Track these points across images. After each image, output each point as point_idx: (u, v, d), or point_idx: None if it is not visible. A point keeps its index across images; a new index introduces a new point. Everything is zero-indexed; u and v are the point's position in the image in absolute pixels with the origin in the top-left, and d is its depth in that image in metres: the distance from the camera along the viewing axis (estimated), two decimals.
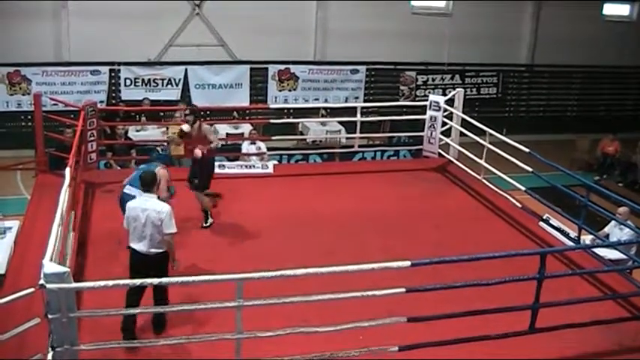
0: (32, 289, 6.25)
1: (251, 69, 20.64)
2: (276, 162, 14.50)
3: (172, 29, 19.86)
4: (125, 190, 9.34)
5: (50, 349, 6.20)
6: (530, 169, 11.43)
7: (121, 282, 6.69)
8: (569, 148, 21.57)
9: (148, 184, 7.53)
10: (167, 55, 20.09)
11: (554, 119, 24.11)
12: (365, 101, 21.08)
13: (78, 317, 6.29)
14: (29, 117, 17.24)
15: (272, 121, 15.64)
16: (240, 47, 20.41)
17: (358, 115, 14.42)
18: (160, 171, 8.87)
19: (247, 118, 18.61)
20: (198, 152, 10.26)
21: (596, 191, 10.66)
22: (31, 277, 6.51)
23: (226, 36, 20.30)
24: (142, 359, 7.12)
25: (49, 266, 6.08)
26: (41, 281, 5.95)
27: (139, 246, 7.38)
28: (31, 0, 18.27)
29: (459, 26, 21.96)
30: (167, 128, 16.75)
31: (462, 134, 13.71)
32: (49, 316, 6.08)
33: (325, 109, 19.67)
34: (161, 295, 7.43)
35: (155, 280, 6.66)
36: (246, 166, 13.33)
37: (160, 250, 7.39)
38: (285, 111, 20.07)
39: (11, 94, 18.90)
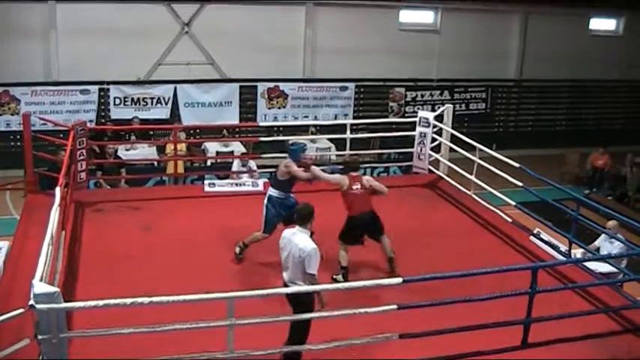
0: (22, 310, 6.22)
1: (240, 87, 20.67)
2: (266, 180, 14.46)
3: (161, 48, 19.90)
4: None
5: None
6: (520, 184, 11.46)
7: (112, 302, 6.64)
8: (559, 163, 21.65)
9: (302, 218, 7.41)
10: (156, 73, 20.11)
11: (543, 134, 24.22)
12: (354, 118, 21.11)
13: (68, 338, 6.25)
14: (18, 137, 17.16)
15: (262, 139, 15.63)
16: (229, 65, 20.45)
17: (348, 132, 14.44)
18: None
19: (237, 136, 18.63)
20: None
21: (586, 205, 10.70)
22: (21, 297, 6.47)
23: (215, 54, 20.34)
24: None
25: (39, 286, 6.04)
26: (31, 302, 5.91)
27: (284, 275, 7.40)
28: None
29: (448, 42, 22.13)
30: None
31: (451, 150, 13.74)
32: (39, 337, 6.03)
33: (315, 126, 19.68)
34: (297, 332, 7.21)
35: (137, 301, 6.61)
36: (236, 184, 13.31)
37: (296, 287, 7.21)
38: (275, 129, 20.08)
39: (0, 114, 18.86)
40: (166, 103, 20.05)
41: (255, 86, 20.88)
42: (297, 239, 7.25)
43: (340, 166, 10.94)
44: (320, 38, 21.17)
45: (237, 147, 17.51)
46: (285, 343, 7.21)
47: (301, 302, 7.16)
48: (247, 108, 20.89)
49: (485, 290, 7.54)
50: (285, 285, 7.34)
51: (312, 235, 7.43)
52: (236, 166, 14.75)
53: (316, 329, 7.22)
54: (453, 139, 13.63)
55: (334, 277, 9.52)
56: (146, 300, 6.62)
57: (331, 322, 7.12)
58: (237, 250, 10.00)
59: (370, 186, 9.92)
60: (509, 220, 11.66)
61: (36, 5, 18.64)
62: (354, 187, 9.80)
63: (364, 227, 9.78)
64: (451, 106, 14.32)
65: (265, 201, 9.93)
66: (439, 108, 14.78)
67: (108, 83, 19.52)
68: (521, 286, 7.60)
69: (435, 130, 13.83)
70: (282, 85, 21.08)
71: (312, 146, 18.63)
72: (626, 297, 9.03)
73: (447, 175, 13.70)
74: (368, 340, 7.19)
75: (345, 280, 9.39)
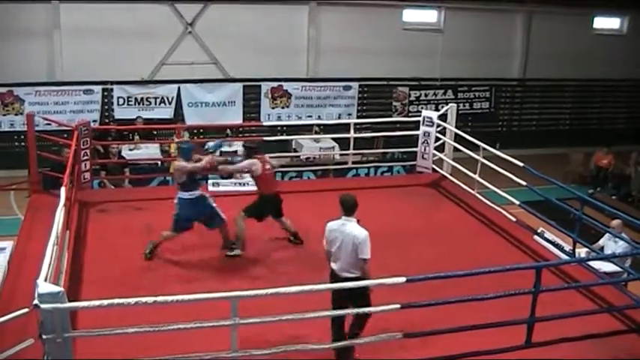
0: (26, 310, 6.22)
1: (244, 87, 20.69)
2: None
3: (165, 48, 19.93)
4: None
5: None
6: (524, 183, 11.45)
7: (116, 301, 6.65)
8: (563, 162, 21.61)
9: (349, 208, 7.59)
10: (160, 73, 20.15)
11: (547, 133, 24.21)
12: (358, 117, 21.13)
13: (72, 337, 6.26)
14: (22, 137, 17.23)
15: (265, 138, 15.62)
16: (232, 65, 20.47)
17: (351, 131, 14.42)
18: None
19: (241, 135, 18.63)
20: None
21: (590, 204, 10.68)
22: (26, 297, 6.48)
23: (219, 54, 20.36)
24: None
25: (44, 286, 6.05)
26: (35, 301, 5.92)
27: (336, 266, 7.52)
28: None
29: (451, 42, 22.11)
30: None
31: (455, 149, 13.73)
32: (44, 337, 6.04)
33: (318, 125, 19.70)
34: (359, 323, 7.39)
35: (159, 298, 6.63)
36: (240, 184, 13.32)
37: (353, 275, 7.38)
38: (279, 128, 20.08)
39: (4, 115, 18.92)
40: (170, 103, 20.06)
41: (259, 86, 20.89)
42: (348, 228, 7.44)
43: (239, 157, 11.11)
44: (323, 38, 21.18)
45: (241, 147, 17.48)
46: (334, 339, 7.40)
47: (359, 294, 7.28)
48: (251, 108, 20.90)
49: (489, 290, 7.53)
50: (336, 276, 7.50)
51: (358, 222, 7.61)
52: None
53: (319, 328, 7.22)
54: (457, 138, 13.62)
55: (230, 253, 9.98)
56: (150, 300, 6.63)
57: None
58: (148, 249, 9.94)
59: (273, 165, 10.47)
60: (513, 219, 11.64)
61: (39, 5, 18.70)
62: (267, 167, 10.26)
63: (273, 206, 10.28)
64: (455, 105, 14.31)
65: (175, 202, 9.86)
66: (443, 107, 14.78)
67: (111, 83, 19.55)
68: (525, 286, 7.58)
69: (438, 129, 13.82)
70: (285, 85, 21.09)
71: (316, 145, 18.67)
72: (630, 296, 9.01)
73: (451, 175, 13.68)
74: (371, 340, 7.19)
75: (242, 251, 9.96)
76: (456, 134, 13.64)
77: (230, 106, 20.59)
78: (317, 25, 21.08)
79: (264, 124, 19.90)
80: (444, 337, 7.43)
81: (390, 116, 21.73)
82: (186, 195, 9.77)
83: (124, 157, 16.11)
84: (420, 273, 7.62)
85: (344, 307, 7.29)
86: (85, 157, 12.24)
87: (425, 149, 13.98)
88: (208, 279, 9.29)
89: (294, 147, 19.25)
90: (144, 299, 6.60)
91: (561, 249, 10.47)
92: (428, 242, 10.93)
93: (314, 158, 18.32)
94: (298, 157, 18.36)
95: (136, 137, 17.79)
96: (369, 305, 7.27)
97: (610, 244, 11.41)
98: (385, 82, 22.09)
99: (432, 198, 13.25)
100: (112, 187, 14.72)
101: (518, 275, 7.82)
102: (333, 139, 18.27)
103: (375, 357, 7.31)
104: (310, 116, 21.30)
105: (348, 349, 7.36)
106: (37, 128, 12.63)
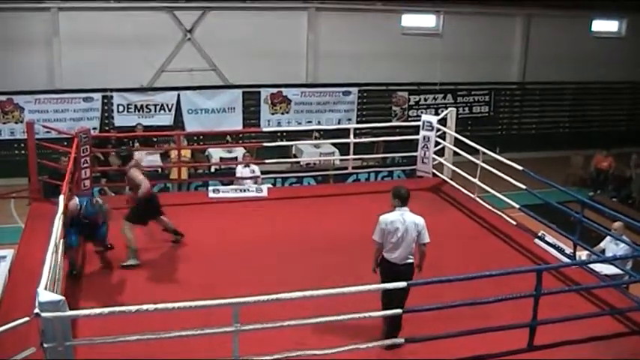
0: (27, 318, 6.22)
1: (243, 93, 20.68)
2: (270, 185, 14.48)
3: (164, 55, 19.93)
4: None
5: None
6: (524, 187, 11.45)
7: (117, 309, 6.66)
8: (563, 165, 21.60)
9: (405, 199, 8.00)
10: (159, 80, 20.15)
11: (546, 136, 24.19)
12: (358, 122, 21.13)
13: (74, 345, 6.25)
14: (22, 145, 17.22)
15: (265, 144, 15.64)
16: (232, 71, 20.47)
17: (351, 136, 14.43)
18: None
19: (241, 142, 18.64)
20: None
21: (591, 207, 10.68)
22: (26, 305, 6.48)
23: (218, 60, 20.37)
24: None
25: (44, 295, 6.05)
26: (36, 310, 5.92)
27: (394, 256, 7.83)
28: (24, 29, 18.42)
29: (450, 46, 22.11)
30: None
31: (455, 153, 13.74)
32: (45, 345, 6.04)
33: (318, 131, 19.71)
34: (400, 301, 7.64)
35: (143, 308, 6.62)
36: (240, 190, 13.31)
37: (410, 260, 7.87)
38: (279, 134, 20.12)
39: (4, 123, 18.91)
40: (170, 110, 20.07)
41: (258, 92, 20.88)
42: (408, 217, 7.90)
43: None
44: (322, 43, 21.18)
45: (241, 153, 17.52)
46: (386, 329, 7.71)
47: (411, 276, 7.78)
48: (250, 114, 20.90)
49: (491, 293, 7.53)
50: (394, 265, 7.82)
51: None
52: (239, 171, 14.80)
53: (320, 334, 7.22)
54: (457, 142, 13.63)
55: (124, 264, 9.74)
56: (151, 307, 6.63)
57: (335, 326, 7.12)
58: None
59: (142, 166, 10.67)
60: (514, 222, 11.65)
61: (39, 14, 18.69)
62: (143, 173, 10.34)
63: (153, 206, 10.28)
64: (454, 109, 14.33)
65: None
66: (442, 111, 14.79)
67: (111, 90, 19.55)
68: (526, 289, 7.59)
69: (438, 133, 13.84)
70: (285, 91, 21.09)
71: (316, 151, 18.68)
72: (632, 299, 9.01)
73: (451, 179, 13.70)
74: (373, 345, 7.18)
75: (138, 261, 9.74)
76: (456, 138, 13.66)
77: (230, 113, 20.58)
78: (316, 31, 21.09)
79: (264, 129, 19.91)
80: (446, 341, 7.42)
81: (390, 121, 21.70)
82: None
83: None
84: (421, 277, 7.63)
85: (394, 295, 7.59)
86: (85, 165, 12.25)
87: (425, 154, 13.99)
88: (212, 287, 9.27)
89: (294, 153, 19.26)
90: (144, 307, 6.60)
91: (562, 252, 10.46)
92: (429, 246, 10.90)
93: (314, 164, 18.33)
94: (298, 162, 18.37)
95: (136, 144, 17.78)
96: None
97: (611, 247, 11.40)
98: (384, 87, 22.10)
99: (432, 202, 13.23)
100: (113, 194, 14.72)
101: (519, 279, 7.83)
102: (333, 144, 18.27)
103: None
104: (310, 122, 21.29)
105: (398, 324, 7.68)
106: (37, 136, 12.65)
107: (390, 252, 7.85)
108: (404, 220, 7.84)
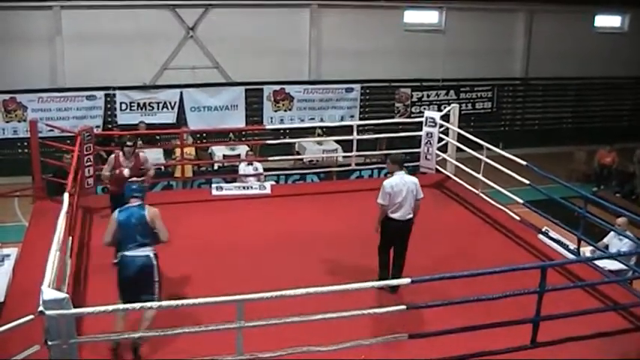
0: (31, 316, 6.22)
1: (246, 90, 20.67)
2: (273, 182, 14.49)
3: (167, 53, 19.94)
4: None
5: None
6: (527, 182, 11.44)
7: (121, 307, 6.67)
8: (566, 160, 21.58)
9: (401, 163, 9.39)
10: (162, 78, 20.15)
11: (549, 132, 24.14)
12: (360, 119, 21.08)
13: (78, 343, 6.26)
14: (25, 144, 17.22)
15: (268, 141, 15.64)
16: (234, 69, 20.47)
17: (354, 133, 14.41)
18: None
19: (244, 139, 18.63)
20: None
21: (594, 202, 10.67)
22: (31, 304, 6.48)
23: (220, 58, 20.37)
24: None
25: (48, 292, 6.06)
26: (40, 308, 5.92)
27: (398, 214, 9.04)
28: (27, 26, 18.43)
29: (453, 42, 22.09)
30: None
31: (458, 149, 13.73)
32: (49, 343, 6.05)
33: (321, 128, 19.68)
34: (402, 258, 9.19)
35: (147, 305, 6.63)
36: (243, 187, 13.30)
37: (412, 216, 9.14)
38: (282, 131, 20.12)
39: (7, 121, 18.94)
40: (172, 108, 20.07)
41: (261, 89, 20.88)
42: (407, 178, 9.16)
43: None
44: (325, 40, 21.17)
45: (244, 150, 17.51)
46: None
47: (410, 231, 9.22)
48: (253, 111, 20.89)
49: (494, 289, 7.52)
50: (398, 221, 9.05)
51: None
52: (242, 168, 14.79)
53: (325, 330, 7.21)
54: (460, 138, 13.62)
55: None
56: (155, 304, 6.64)
57: (340, 322, 7.11)
58: None
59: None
60: (518, 218, 11.64)
61: (41, 12, 18.71)
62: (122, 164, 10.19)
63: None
64: (457, 105, 14.32)
65: None
66: (445, 108, 14.77)
67: (114, 89, 19.56)
68: (530, 285, 7.58)
69: (441, 129, 13.82)
70: (287, 88, 21.08)
71: (319, 148, 18.68)
72: (636, 294, 9.00)
73: (455, 175, 13.68)
74: (377, 341, 7.17)
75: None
76: (459, 134, 13.64)
77: (233, 110, 20.58)
78: (318, 28, 21.07)
79: (267, 127, 19.89)
80: (449, 338, 7.41)
81: (393, 117, 21.69)
82: None
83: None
84: (425, 273, 7.63)
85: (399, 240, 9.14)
86: (89, 163, 12.25)
87: (428, 150, 13.98)
88: (216, 284, 9.27)
89: (297, 150, 19.25)
90: (148, 304, 6.61)
91: (566, 247, 10.44)
92: (432, 242, 10.90)
93: (317, 161, 18.31)
94: (301, 159, 18.37)
95: (139, 143, 17.75)
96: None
97: (615, 242, 11.38)
98: (387, 84, 22.07)
99: (436, 198, 13.22)
100: None
101: (523, 275, 7.82)
102: (336, 141, 18.27)
103: (381, 358, 7.29)
104: (313, 119, 21.29)
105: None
106: (40, 135, 12.66)
107: (394, 212, 9.02)
108: (405, 181, 9.08)
